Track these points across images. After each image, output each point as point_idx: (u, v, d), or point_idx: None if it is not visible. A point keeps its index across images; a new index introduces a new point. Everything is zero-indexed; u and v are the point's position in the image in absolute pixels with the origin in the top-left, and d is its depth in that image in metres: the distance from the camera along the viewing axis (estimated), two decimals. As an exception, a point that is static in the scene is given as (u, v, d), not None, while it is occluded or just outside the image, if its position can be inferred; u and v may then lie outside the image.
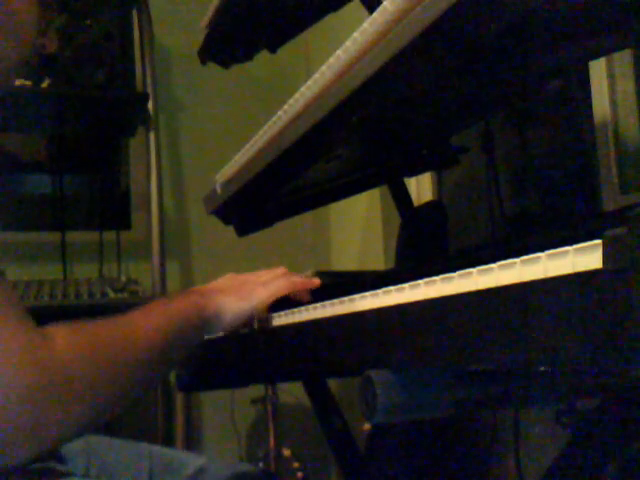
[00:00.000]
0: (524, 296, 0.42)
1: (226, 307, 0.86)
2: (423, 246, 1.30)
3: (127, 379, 0.69)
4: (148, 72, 2.20)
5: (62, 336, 0.62)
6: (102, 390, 0.65)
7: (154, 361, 0.74)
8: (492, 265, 0.47)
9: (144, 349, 0.72)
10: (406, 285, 0.57)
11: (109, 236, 2.32)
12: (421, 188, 1.69)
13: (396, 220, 1.41)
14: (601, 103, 1.19)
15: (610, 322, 0.37)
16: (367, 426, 1.60)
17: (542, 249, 0.43)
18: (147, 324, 0.74)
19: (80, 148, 2.51)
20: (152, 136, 2.19)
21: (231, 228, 1.29)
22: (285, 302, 0.92)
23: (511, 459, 1.38)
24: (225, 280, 0.93)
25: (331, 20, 1.37)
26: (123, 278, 2.08)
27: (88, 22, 2.01)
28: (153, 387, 0.86)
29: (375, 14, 0.71)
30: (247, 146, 1.07)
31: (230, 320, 0.87)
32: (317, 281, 0.95)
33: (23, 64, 0.77)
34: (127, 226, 2.45)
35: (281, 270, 0.95)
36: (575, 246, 0.41)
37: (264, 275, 0.94)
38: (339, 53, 0.78)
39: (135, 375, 0.71)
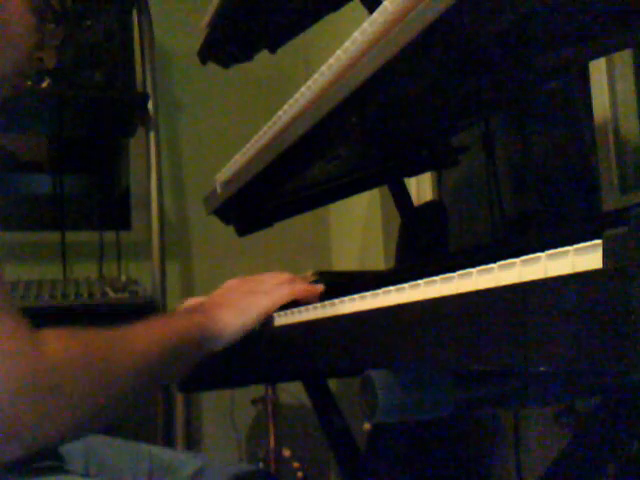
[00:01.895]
0: (524, 296, 0.42)
1: (227, 323, 0.86)
2: (423, 246, 1.30)
3: (120, 388, 0.69)
4: (148, 72, 2.20)
5: (55, 340, 0.62)
6: (93, 397, 0.65)
7: (149, 374, 0.74)
8: (492, 265, 0.47)
9: (139, 361, 0.72)
10: (406, 285, 0.57)
11: (109, 236, 2.32)
12: (421, 188, 1.69)
13: (396, 220, 1.41)
14: (601, 103, 1.19)
15: (610, 322, 0.37)
16: (367, 426, 1.60)
17: (542, 249, 0.43)
18: (145, 338, 0.75)
19: (80, 148, 2.51)
20: (152, 136, 2.18)
21: (231, 228, 1.30)
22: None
23: (511, 459, 1.39)
24: (228, 289, 0.93)
25: (331, 20, 1.37)
26: (123, 278, 2.08)
27: (88, 22, 2.01)
28: (149, 399, 0.85)
29: (375, 14, 0.71)
30: (247, 146, 1.07)
31: (231, 336, 0.87)
32: (320, 287, 0.94)
33: (19, 75, 0.77)
34: (127, 226, 2.45)
35: (285, 276, 0.94)
36: (575, 246, 0.41)
37: (268, 281, 0.93)
38: (339, 53, 0.78)
39: (129, 385, 0.71)
